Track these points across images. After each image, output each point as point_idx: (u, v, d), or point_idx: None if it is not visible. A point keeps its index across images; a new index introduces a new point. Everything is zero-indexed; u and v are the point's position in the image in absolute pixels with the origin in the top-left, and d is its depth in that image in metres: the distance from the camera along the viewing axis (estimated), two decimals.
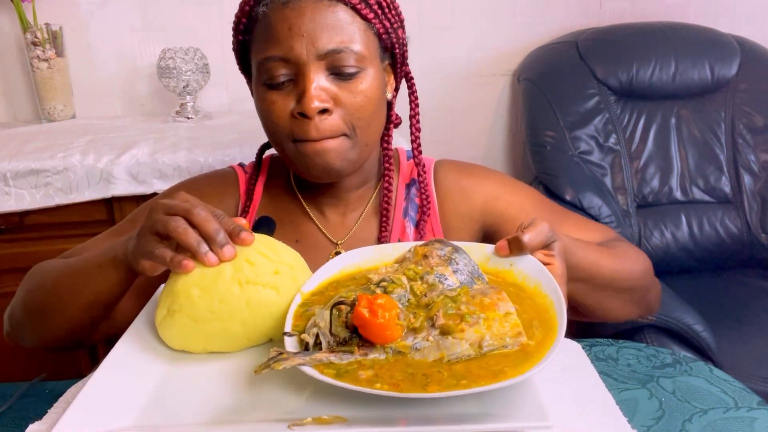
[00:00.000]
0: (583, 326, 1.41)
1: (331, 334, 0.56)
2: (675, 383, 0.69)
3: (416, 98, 0.93)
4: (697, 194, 1.79)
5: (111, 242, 0.77)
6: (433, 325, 0.56)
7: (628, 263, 0.86)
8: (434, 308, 0.57)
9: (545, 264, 0.66)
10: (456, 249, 0.65)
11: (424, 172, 0.92)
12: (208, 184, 0.96)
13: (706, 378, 0.70)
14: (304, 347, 0.57)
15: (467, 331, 0.54)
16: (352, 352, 0.55)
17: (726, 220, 1.78)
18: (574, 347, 0.74)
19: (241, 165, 0.98)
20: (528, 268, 0.66)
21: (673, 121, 1.81)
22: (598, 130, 1.77)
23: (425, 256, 0.64)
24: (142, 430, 0.53)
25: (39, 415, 0.63)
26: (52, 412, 0.64)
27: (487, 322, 0.55)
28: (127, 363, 0.62)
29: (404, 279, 0.61)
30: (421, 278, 0.61)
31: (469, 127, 2.07)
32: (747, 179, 1.79)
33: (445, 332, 0.55)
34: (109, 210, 1.52)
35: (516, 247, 0.66)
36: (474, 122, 2.07)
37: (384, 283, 0.60)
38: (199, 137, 1.61)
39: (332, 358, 0.54)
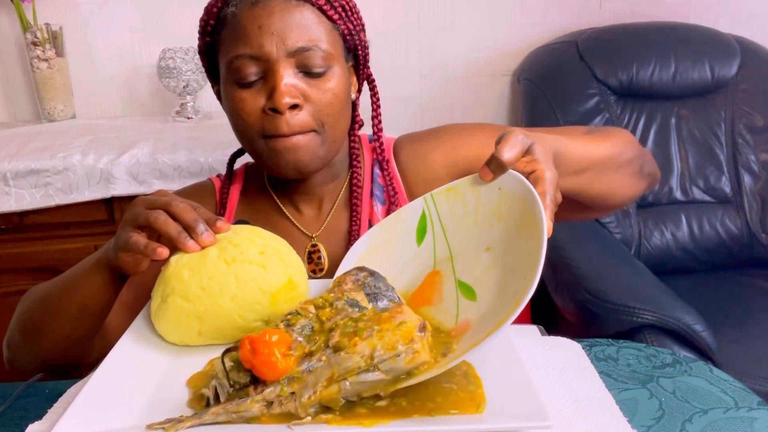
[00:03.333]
0: (583, 326, 1.41)
1: (231, 382, 0.56)
2: (675, 383, 0.69)
3: (378, 99, 0.95)
4: (697, 194, 1.79)
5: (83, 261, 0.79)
6: (328, 346, 0.55)
7: (615, 138, 0.88)
8: (335, 330, 0.57)
9: (530, 172, 0.65)
10: (372, 273, 0.64)
11: (387, 166, 0.93)
12: (185, 197, 0.97)
13: (706, 378, 0.70)
14: (206, 402, 0.57)
15: (359, 345, 0.53)
16: (248, 395, 0.54)
17: (726, 220, 1.78)
18: (574, 347, 0.74)
19: (219, 176, 1.00)
20: (515, 188, 0.64)
21: (673, 121, 1.81)
22: None
23: (339, 283, 0.63)
24: (142, 429, 0.53)
25: (39, 415, 0.63)
26: (52, 412, 0.64)
27: (379, 333, 0.53)
28: (127, 362, 0.62)
29: (312, 308, 0.60)
30: (331, 305, 0.60)
31: None
32: (747, 179, 1.79)
33: (337, 349, 0.54)
34: (109, 210, 1.52)
35: (497, 167, 0.66)
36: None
37: (289, 317, 0.60)
38: (199, 137, 1.61)
39: (229, 406, 0.54)
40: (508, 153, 0.65)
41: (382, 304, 0.60)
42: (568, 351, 0.73)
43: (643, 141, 1.80)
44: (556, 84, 1.83)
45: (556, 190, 0.65)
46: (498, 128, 0.96)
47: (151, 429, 0.53)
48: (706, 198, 1.80)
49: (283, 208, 0.93)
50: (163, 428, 0.52)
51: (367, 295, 0.61)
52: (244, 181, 0.97)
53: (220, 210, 0.94)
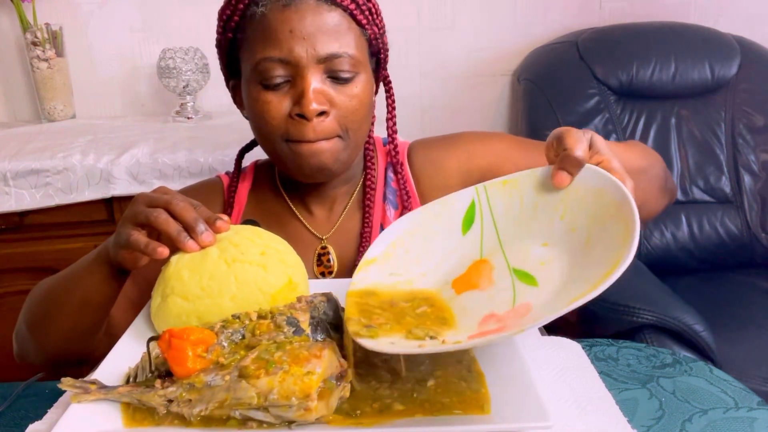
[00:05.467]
0: (583, 326, 1.41)
1: (153, 368, 0.58)
2: (675, 383, 0.69)
3: (393, 101, 0.95)
4: (697, 194, 1.79)
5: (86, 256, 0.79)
6: (237, 366, 0.54)
7: (645, 149, 0.90)
8: (255, 349, 0.56)
9: (597, 164, 0.63)
10: (328, 299, 0.63)
11: (402, 170, 0.93)
12: (193, 195, 0.97)
13: (706, 378, 0.70)
14: (126, 380, 0.59)
15: (261, 379, 0.52)
16: (153, 386, 0.55)
17: (726, 220, 1.78)
18: (574, 347, 0.74)
19: (228, 173, 0.99)
20: (588, 180, 0.62)
21: (673, 121, 1.81)
22: (598, 130, 1.77)
23: (298, 300, 0.63)
24: (142, 429, 0.53)
25: (39, 415, 0.63)
26: (52, 412, 0.64)
27: (283, 375, 0.51)
28: (127, 362, 0.62)
29: (254, 315, 0.60)
30: (273, 317, 0.59)
31: (469, 127, 2.04)
32: (747, 179, 1.79)
33: (241, 375, 0.53)
34: (109, 210, 1.52)
35: (574, 165, 0.62)
36: (474, 122, 2.07)
37: (231, 318, 0.60)
38: (199, 137, 1.61)
39: (134, 392, 0.55)
40: (579, 149, 0.62)
41: (320, 336, 0.59)
42: (568, 351, 0.73)
43: (642, 141, 1.80)
44: (556, 84, 1.83)
45: (629, 180, 0.63)
46: (515, 139, 0.96)
47: (63, 386, 0.55)
48: (706, 198, 1.79)
49: (294, 208, 0.93)
50: (72, 390, 0.55)
51: (312, 318, 0.60)
52: (254, 180, 0.96)
53: (228, 209, 0.93)
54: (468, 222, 0.70)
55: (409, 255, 0.70)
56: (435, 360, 0.61)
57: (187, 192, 0.98)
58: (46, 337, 0.81)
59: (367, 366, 0.59)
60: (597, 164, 0.63)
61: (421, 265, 0.69)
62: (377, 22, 0.85)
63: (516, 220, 0.67)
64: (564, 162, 0.62)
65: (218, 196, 0.96)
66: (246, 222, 0.90)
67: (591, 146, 0.65)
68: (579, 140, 0.63)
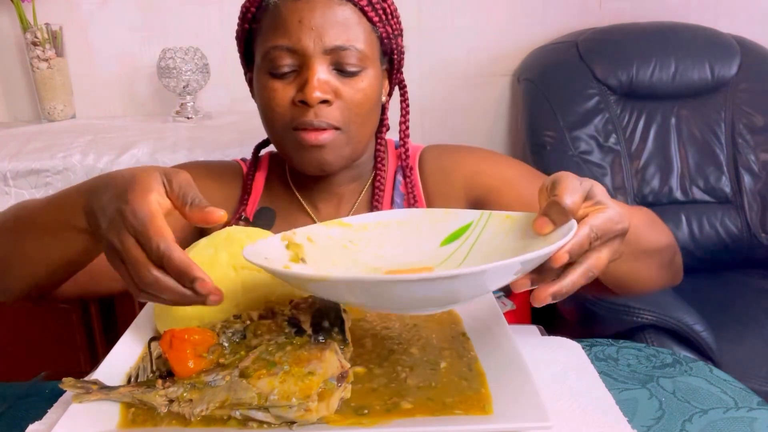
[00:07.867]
0: (583, 326, 1.41)
1: (153, 368, 0.58)
2: (675, 383, 0.69)
3: (407, 105, 0.95)
4: (697, 194, 1.79)
5: (66, 200, 0.68)
6: (238, 366, 0.54)
7: (649, 217, 0.80)
8: (256, 349, 0.56)
9: (597, 210, 0.58)
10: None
11: (411, 174, 0.93)
12: (211, 170, 0.97)
13: (706, 378, 0.70)
14: (128, 380, 0.59)
15: (262, 379, 0.52)
16: (154, 386, 0.55)
17: (726, 220, 1.78)
18: (574, 347, 0.74)
19: (243, 160, 1.00)
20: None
21: (673, 121, 1.81)
22: (598, 130, 1.77)
23: (303, 298, 0.63)
24: (143, 430, 0.53)
25: (39, 416, 0.63)
26: (52, 412, 0.64)
27: (284, 376, 0.52)
28: (127, 362, 0.62)
29: (255, 315, 0.60)
30: (274, 316, 0.60)
31: (469, 127, 2.07)
32: (747, 179, 1.79)
33: (242, 375, 0.53)
34: None
35: (557, 214, 0.56)
36: (474, 122, 2.07)
37: (231, 318, 0.61)
38: (199, 137, 1.61)
39: (135, 392, 0.55)
40: (570, 198, 0.56)
41: (321, 337, 0.59)
42: (568, 351, 0.73)
43: (643, 141, 1.80)
44: (556, 84, 1.83)
45: (607, 228, 0.57)
46: (525, 169, 0.93)
47: (65, 386, 0.56)
48: (706, 198, 1.79)
49: (303, 203, 0.94)
50: (73, 391, 0.55)
51: (313, 317, 0.60)
52: (268, 170, 0.98)
53: (245, 194, 0.94)
54: (453, 237, 0.69)
55: (381, 237, 0.69)
56: (440, 345, 0.63)
57: (210, 167, 0.98)
58: (11, 278, 0.76)
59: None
60: (595, 211, 0.58)
61: (382, 248, 0.69)
62: (392, 22, 0.87)
63: (487, 252, 0.64)
64: (549, 209, 0.57)
65: (238, 179, 0.97)
66: (261, 209, 0.91)
67: (589, 197, 0.59)
68: (573, 189, 0.57)
